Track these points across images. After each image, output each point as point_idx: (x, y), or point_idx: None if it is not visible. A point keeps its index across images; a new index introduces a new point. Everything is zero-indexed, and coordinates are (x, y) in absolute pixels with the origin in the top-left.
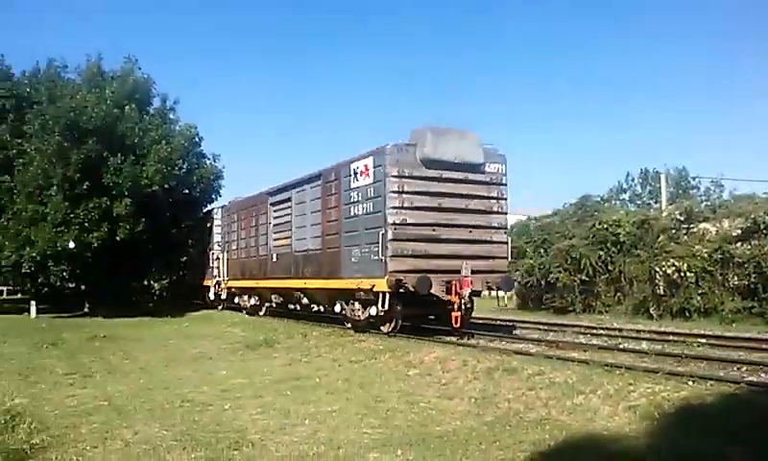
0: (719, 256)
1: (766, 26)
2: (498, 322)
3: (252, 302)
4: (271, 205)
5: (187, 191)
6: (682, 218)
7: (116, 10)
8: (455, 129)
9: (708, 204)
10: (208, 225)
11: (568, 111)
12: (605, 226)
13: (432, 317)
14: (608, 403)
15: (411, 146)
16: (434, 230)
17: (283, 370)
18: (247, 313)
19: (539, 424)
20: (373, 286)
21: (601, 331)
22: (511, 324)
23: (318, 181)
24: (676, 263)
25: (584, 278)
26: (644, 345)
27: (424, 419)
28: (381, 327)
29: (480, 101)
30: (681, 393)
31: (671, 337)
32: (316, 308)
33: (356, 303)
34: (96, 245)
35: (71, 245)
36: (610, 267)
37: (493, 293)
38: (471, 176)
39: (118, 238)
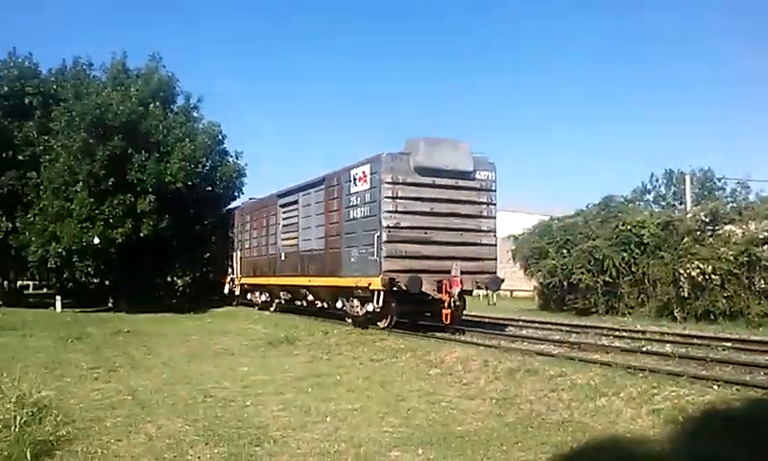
0: (745, 259)
1: None
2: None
3: (263, 298)
4: (280, 207)
5: (210, 188)
6: (707, 220)
7: (141, 8)
8: (447, 139)
9: (734, 205)
10: (230, 223)
11: (589, 111)
12: (628, 227)
13: (428, 314)
14: (631, 406)
15: (405, 154)
16: (426, 232)
17: (304, 367)
18: (258, 308)
19: (560, 426)
20: (370, 284)
21: (624, 333)
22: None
23: (322, 185)
24: (701, 265)
25: (607, 279)
26: (668, 348)
27: (445, 418)
28: (378, 323)
29: (494, 99)
30: (705, 397)
31: (695, 340)
32: (320, 305)
33: (355, 300)
34: (120, 241)
35: (96, 241)
36: (633, 268)
37: (495, 292)
38: (462, 182)
39: (142, 234)
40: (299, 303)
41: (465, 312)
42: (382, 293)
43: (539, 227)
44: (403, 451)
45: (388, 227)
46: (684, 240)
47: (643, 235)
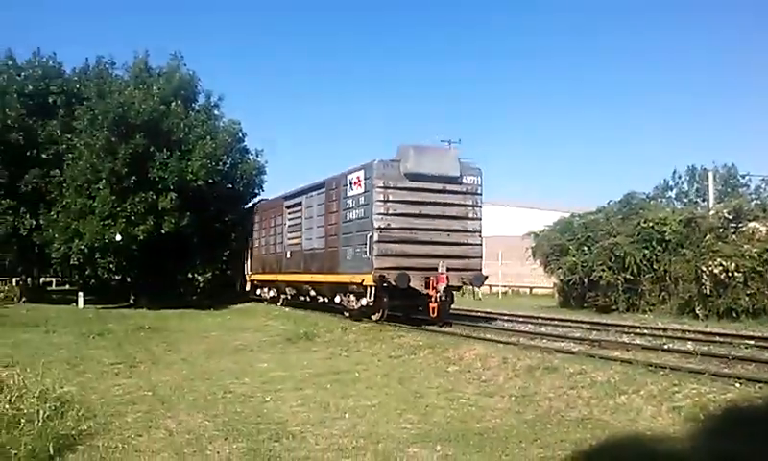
0: None
1: None
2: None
3: (271, 294)
4: (286, 208)
5: (231, 186)
6: (730, 217)
7: (161, 9)
8: (435, 146)
9: (759, 202)
10: (250, 220)
11: (610, 106)
12: (650, 224)
13: (421, 308)
14: (651, 404)
15: (396, 161)
16: (415, 233)
17: (323, 363)
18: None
19: (580, 424)
20: (363, 281)
21: (645, 331)
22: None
23: (322, 188)
24: (723, 263)
25: (628, 276)
26: (689, 345)
27: (464, 415)
28: (372, 316)
29: (513, 92)
30: (727, 395)
31: (717, 338)
32: (321, 299)
33: (351, 295)
34: (142, 238)
35: (118, 238)
36: (655, 266)
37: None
38: (449, 187)
39: (163, 231)
40: (302, 298)
41: (478, 307)
42: (374, 289)
43: (559, 224)
44: (422, 448)
45: (379, 228)
46: (707, 237)
47: (665, 232)
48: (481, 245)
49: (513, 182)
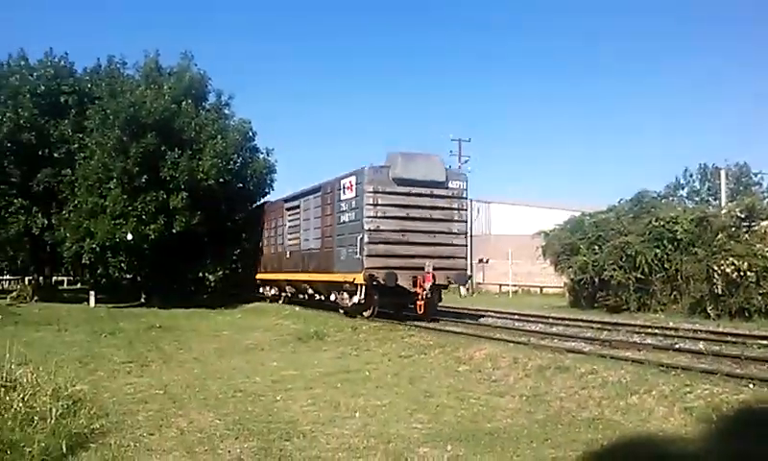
0: None
1: None
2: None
3: (273, 291)
4: (286, 210)
5: (241, 185)
6: (742, 215)
7: (172, 7)
8: (423, 153)
9: None
10: (260, 220)
11: (619, 104)
12: (662, 223)
13: (411, 305)
14: (663, 404)
15: (385, 167)
16: (403, 235)
17: (333, 362)
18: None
19: (591, 424)
20: (354, 279)
21: (656, 331)
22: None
23: (319, 192)
24: (735, 262)
25: (639, 275)
26: (701, 345)
27: (474, 415)
28: (363, 313)
29: (521, 89)
30: (740, 396)
31: (730, 338)
32: (318, 297)
33: (344, 293)
34: (153, 237)
35: (129, 237)
36: (666, 265)
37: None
38: (436, 191)
39: (174, 231)
40: (301, 296)
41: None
42: (364, 287)
43: (570, 222)
44: (432, 447)
45: (369, 230)
46: (719, 236)
47: (677, 231)
48: (466, 246)
49: (523, 181)
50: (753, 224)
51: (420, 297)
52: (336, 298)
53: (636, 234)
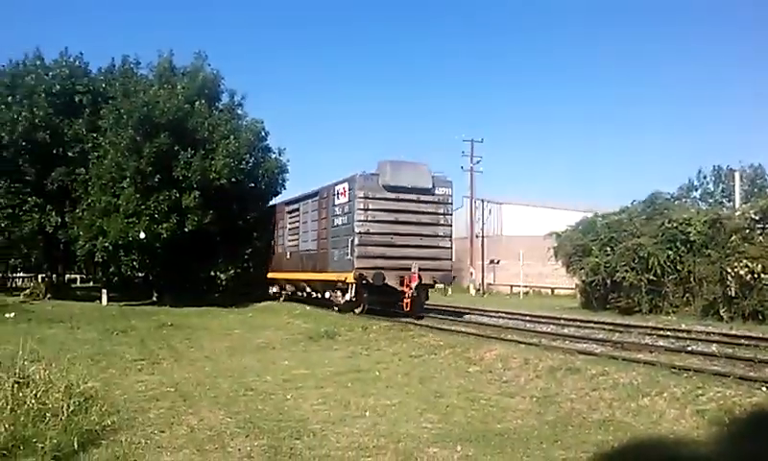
0: None
1: None
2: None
3: (274, 290)
4: (287, 213)
5: (253, 185)
6: (757, 217)
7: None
8: (410, 161)
9: None
10: (271, 219)
11: (636, 108)
12: (675, 224)
13: (400, 303)
14: (674, 407)
15: (375, 175)
16: (391, 237)
17: (344, 362)
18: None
19: (602, 425)
20: (346, 278)
21: (668, 333)
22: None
23: (316, 197)
24: (749, 264)
25: (651, 277)
26: (714, 348)
27: (484, 416)
28: (355, 310)
29: (528, 90)
30: (753, 399)
31: (743, 341)
32: (315, 295)
33: (338, 291)
34: (165, 236)
35: (141, 236)
36: (679, 267)
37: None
38: (423, 197)
39: (186, 230)
40: (300, 294)
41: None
42: (355, 285)
43: (582, 224)
44: (442, 448)
45: (360, 233)
46: (733, 238)
47: (690, 233)
48: (451, 248)
49: (535, 182)
50: (767, 226)
51: (406, 295)
52: (330, 295)
53: (649, 236)
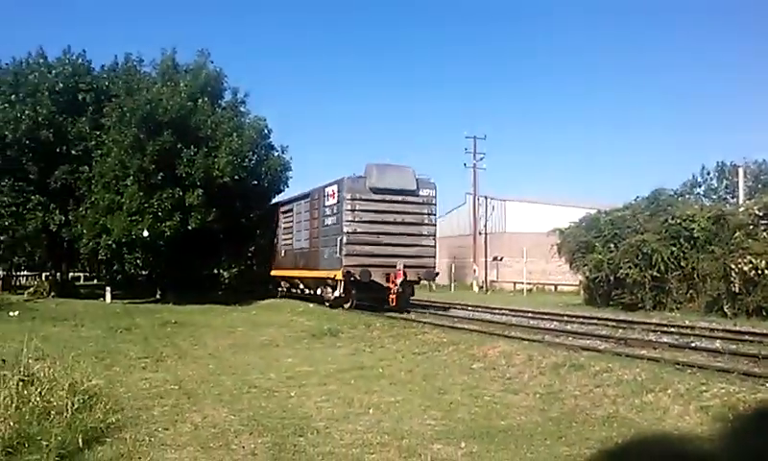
0: None
1: None
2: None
3: (270, 286)
4: (282, 213)
5: (256, 182)
6: (761, 214)
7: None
8: (396, 165)
9: None
10: (274, 217)
11: (640, 105)
12: (678, 221)
13: (386, 298)
14: (678, 403)
15: (362, 178)
16: (377, 237)
17: (347, 359)
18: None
19: (606, 422)
20: (335, 275)
21: (672, 329)
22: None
23: (308, 198)
24: (753, 260)
25: (655, 274)
26: (718, 344)
27: (488, 412)
28: (344, 305)
29: (529, 86)
30: (757, 395)
31: (747, 337)
32: (308, 291)
33: (328, 288)
34: (169, 234)
35: (145, 233)
36: (682, 263)
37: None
38: (407, 199)
39: (190, 227)
40: (294, 290)
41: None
42: (343, 282)
43: (585, 220)
44: (446, 444)
45: (347, 232)
46: (736, 234)
47: (693, 229)
48: (434, 246)
49: (539, 178)
50: None
51: (392, 291)
52: (322, 292)
53: (653, 232)
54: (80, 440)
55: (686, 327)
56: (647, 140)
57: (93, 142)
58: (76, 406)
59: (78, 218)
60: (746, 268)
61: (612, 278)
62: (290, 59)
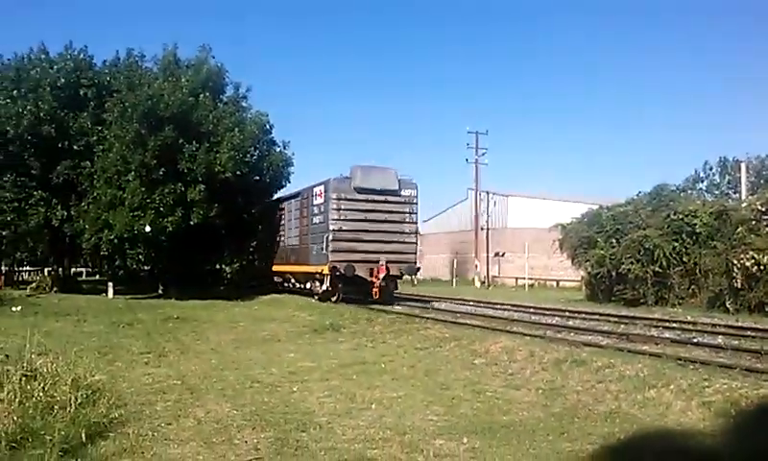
0: None
1: None
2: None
3: (276, 281)
4: (279, 209)
5: (258, 178)
6: (763, 209)
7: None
8: (379, 166)
9: None
10: (276, 212)
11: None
12: (680, 216)
13: (370, 292)
14: (681, 399)
15: (347, 178)
16: (361, 234)
17: (349, 354)
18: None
19: (608, 418)
20: (322, 270)
21: (674, 325)
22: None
23: (299, 197)
24: (756, 256)
25: (657, 269)
26: (720, 339)
27: (490, 408)
28: (331, 298)
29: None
30: (760, 391)
31: (749, 332)
32: (299, 286)
33: (316, 282)
34: (171, 229)
35: (147, 229)
36: (684, 259)
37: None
38: (390, 198)
39: (192, 223)
40: (286, 284)
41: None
42: (330, 277)
43: (587, 216)
44: (448, 440)
45: (333, 230)
46: (739, 230)
47: (695, 225)
48: (416, 243)
49: (541, 174)
50: None
51: (375, 285)
52: (311, 286)
53: (655, 228)
54: (83, 435)
55: (689, 323)
56: (649, 136)
57: (95, 137)
58: (79, 401)
59: (80, 213)
60: (748, 263)
61: (613, 273)
62: (292, 59)
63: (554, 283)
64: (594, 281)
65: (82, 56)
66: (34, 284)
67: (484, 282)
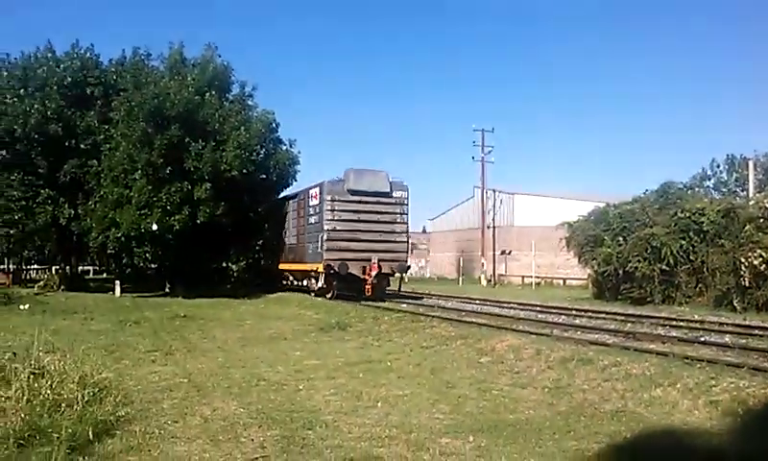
0: None
1: None
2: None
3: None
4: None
5: (264, 176)
6: None
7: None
8: (371, 169)
9: None
10: (282, 211)
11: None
12: (687, 214)
13: (363, 289)
14: (687, 397)
15: (341, 181)
16: (354, 234)
17: (355, 352)
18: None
19: (614, 416)
20: (317, 268)
21: (681, 323)
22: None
23: (296, 198)
24: (763, 254)
25: (664, 267)
26: (727, 338)
27: (496, 406)
28: (326, 295)
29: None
30: (767, 390)
31: (757, 331)
32: (296, 282)
33: (312, 279)
34: (177, 227)
35: (154, 227)
36: (692, 257)
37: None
38: (381, 200)
39: (198, 221)
40: (285, 282)
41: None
42: (324, 274)
43: (594, 214)
44: (454, 438)
45: (328, 230)
46: (746, 228)
47: (703, 223)
48: (407, 242)
49: (548, 172)
50: None
51: (368, 282)
52: (307, 283)
53: (662, 226)
54: (90, 432)
55: (695, 322)
56: (657, 134)
57: (102, 136)
58: (86, 399)
59: (87, 212)
60: (756, 262)
61: (620, 271)
62: (298, 59)
63: (561, 282)
64: (601, 280)
65: (88, 55)
66: (41, 283)
67: (490, 281)
